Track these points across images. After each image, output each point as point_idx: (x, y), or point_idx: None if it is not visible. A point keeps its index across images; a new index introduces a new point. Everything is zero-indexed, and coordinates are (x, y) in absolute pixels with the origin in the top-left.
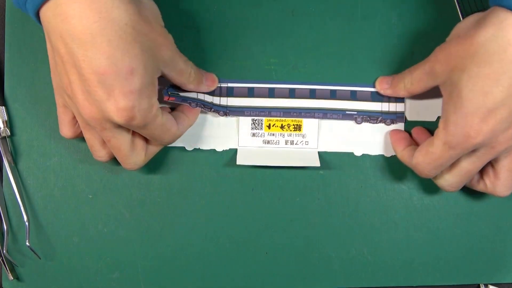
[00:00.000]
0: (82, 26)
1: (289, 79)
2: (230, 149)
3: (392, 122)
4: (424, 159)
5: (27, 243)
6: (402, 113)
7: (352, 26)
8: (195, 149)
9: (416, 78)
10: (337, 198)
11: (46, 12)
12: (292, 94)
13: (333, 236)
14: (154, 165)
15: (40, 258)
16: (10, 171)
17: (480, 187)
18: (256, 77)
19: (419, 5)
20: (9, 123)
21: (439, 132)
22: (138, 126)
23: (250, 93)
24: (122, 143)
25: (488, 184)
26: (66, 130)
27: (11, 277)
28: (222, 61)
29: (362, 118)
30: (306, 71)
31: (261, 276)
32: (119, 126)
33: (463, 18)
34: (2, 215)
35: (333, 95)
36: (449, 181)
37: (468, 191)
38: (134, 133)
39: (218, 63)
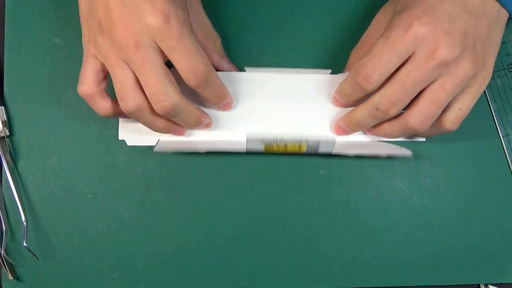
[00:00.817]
0: None
1: None
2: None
3: None
4: (368, 59)
5: (24, 244)
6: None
7: (352, 26)
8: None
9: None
10: (337, 198)
11: None
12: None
13: (333, 236)
14: (154, 165)
15: (38, 259)
16: (8, 171)
17: (392, 121)
18: None
19: None
20: (9, 123)
21: (383, 33)
22: (175, 35)
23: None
24: (157, 65)
25: (404, 112)
26: (88, 82)
27: (11, 277)
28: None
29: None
30: None
31: (261, 276)
32: (154, 47)
33: None
34: (1, 215)
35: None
36: (383, 92)
37: (466, 188)
38: (167, 69)
39: None
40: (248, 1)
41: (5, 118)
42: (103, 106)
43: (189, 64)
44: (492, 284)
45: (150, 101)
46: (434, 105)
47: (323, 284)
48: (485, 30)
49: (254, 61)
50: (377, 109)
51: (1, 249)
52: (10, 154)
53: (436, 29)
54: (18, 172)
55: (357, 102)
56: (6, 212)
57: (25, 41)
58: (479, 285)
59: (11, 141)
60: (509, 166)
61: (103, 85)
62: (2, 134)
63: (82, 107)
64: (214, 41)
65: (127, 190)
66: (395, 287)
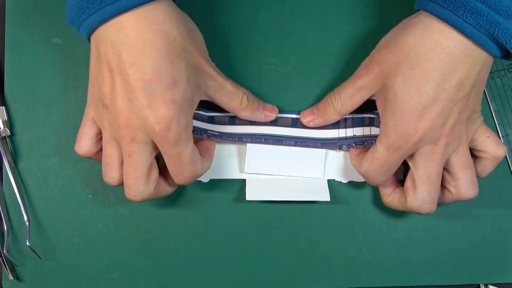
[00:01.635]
0: (136, 35)
1: (289, 79)
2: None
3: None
4: (370, 166)
5: (27, 243)
6: None
7: (352, 26)
8: None
9: (347, 96)
10: (337, 198)
11: (100, 27)
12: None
13: (333, 236)
14: None
15: (40, 258)
16: (10, 171)
17: (447, 197)
18: (256, 77)
19: None
20: (9, 123)
21: (381, 138)
22: (171, 142)
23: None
24: (142, 162)
25: (452, 190)
26: (84, 145)
27: (11, 277)
28: (222, 61)
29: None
30: (306, 71)
31: (261, 276)
32: (148, 143)
33: None
34: (2, 215)
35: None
36: (419, 198)
37: None
38: (154, 162)
39: (218, 63)
40: (248, 1)
41: (6, 118)
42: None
43: (175, 170)
44: (492, 284)
45: (124, 186)
46: (470, 168)
47: (323, 284)
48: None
49: (254, 61)
50: (419, 212)
51: (2, 248)
52: (11, 154)
53: (433, 130)
54: (19, 172)
55: None
56: (7, 212)
57: (26, 41)
58: (479, 285)
59: (12, 141)
60: (509, 166)
61: (100, 145)
62: (3, 134)
63: (82, 107)
64: (241, 100)
65: None
66: (395, 287)
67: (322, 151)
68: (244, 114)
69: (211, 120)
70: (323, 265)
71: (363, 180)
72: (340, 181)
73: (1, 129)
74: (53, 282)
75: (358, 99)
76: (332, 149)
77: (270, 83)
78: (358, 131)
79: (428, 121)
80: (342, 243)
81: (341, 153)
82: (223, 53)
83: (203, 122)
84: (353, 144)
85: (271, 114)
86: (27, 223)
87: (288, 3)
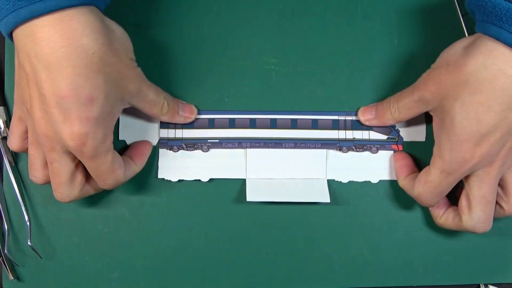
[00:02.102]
0: (50, 49)
1: (289, 79)
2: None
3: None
4: (424, 189)
5: (28, 243)
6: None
7: (352, 26)
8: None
9: (405, 106)
10: (337, 198)
11: (17, 31)
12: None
13: (333, 236)
14: (153, 166)
15: (41, 258)
16: (10, 171)
17: (499, 213)
18: (256, 77)
19: (419, 5)
20: (9, 123)
21: (435, 160)
22: (87, 156)
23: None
24: (63, 169)
25: (504, 206)
26: (14, 142)
27: (11, 277)
28: (222, 61)
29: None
30: (306, 71)
31: (261, 276)
32: (67, 152)
33: (466, 29)
34: (3, 214)
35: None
36: (475, 217)
37: None
38: (78, 166)
39: (218, 63)
40: (248, 1)
41: (6, 118)
42: None
43: (96, 178)
44: (492, 284)
45: (52, 186)
46: None
47: (323, 284)
48: None
49: (254, 61)
50: (474, 231)
51: (3, 248)
52: (12, 154)
53: (490, 155)
54: (19, 172)
55: None
56: (8, 211)
57: None
58: (479, 285)
59: None
60: None
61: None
62: (4, 134)
63: None
64: (161, 107)
65: (127, 190)
66: (395, 287)
67: (323, 151)
68: (164, 119)
69: (211, 124)
70: (323, 265)
71: (363, 180)
72: (340, 181)
73: (1, 129)
74: (53, 282)
75: (415, 111)
76: (332, 149)
77: (270, 83)
78: (357, 134)
79: (485, 147)
80: (342, 243)
81: (341, 153)
82: (223, 53)
83: (203, 129)
84: (353, 147)
85: (190, 116)
86: (28, 222)
87: (288, 3)
